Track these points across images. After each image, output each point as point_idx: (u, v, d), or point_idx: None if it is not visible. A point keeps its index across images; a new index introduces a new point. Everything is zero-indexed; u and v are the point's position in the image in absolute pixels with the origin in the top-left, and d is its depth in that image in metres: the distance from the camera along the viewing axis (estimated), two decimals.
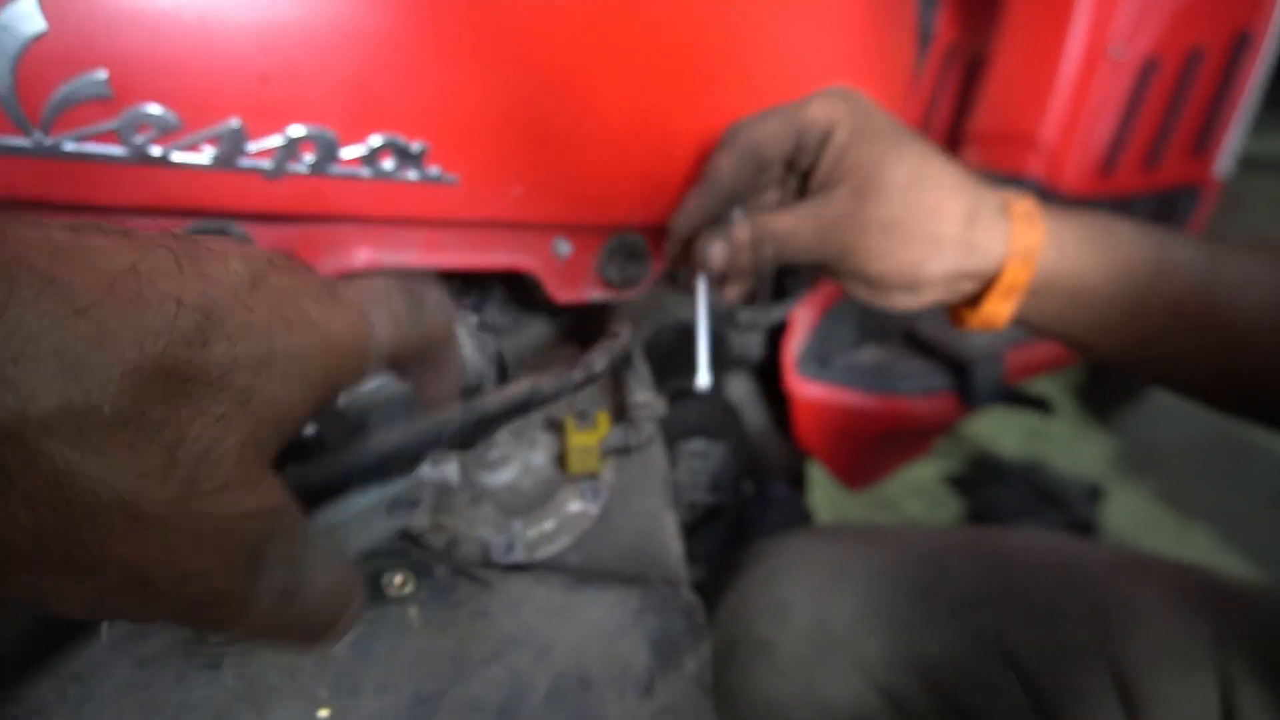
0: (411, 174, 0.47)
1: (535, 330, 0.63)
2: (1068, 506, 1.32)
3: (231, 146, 0.43)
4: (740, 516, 0.86)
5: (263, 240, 0.44)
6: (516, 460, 0.55)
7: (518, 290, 0.62)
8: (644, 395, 0.58)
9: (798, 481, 0.93)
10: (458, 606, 0.41)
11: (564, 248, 0.56)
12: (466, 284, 0.61)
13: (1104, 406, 1.75)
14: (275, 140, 0.43)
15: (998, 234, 0.47)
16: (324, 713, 0.36)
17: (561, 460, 0.56)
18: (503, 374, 0.51)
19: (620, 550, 0.54)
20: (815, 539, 0.67)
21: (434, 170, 0.48)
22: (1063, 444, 1.63)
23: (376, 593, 0.40)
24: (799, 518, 0.88)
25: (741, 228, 0.50)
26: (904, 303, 0.50)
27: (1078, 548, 0.63)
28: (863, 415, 0.85)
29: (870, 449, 0.89)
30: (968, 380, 0.87)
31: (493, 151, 0.49)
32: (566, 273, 0.55)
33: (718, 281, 0.53)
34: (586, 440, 0.54)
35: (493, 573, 0.44)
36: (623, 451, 0.56)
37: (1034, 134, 1.56)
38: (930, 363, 0.90)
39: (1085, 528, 1.32)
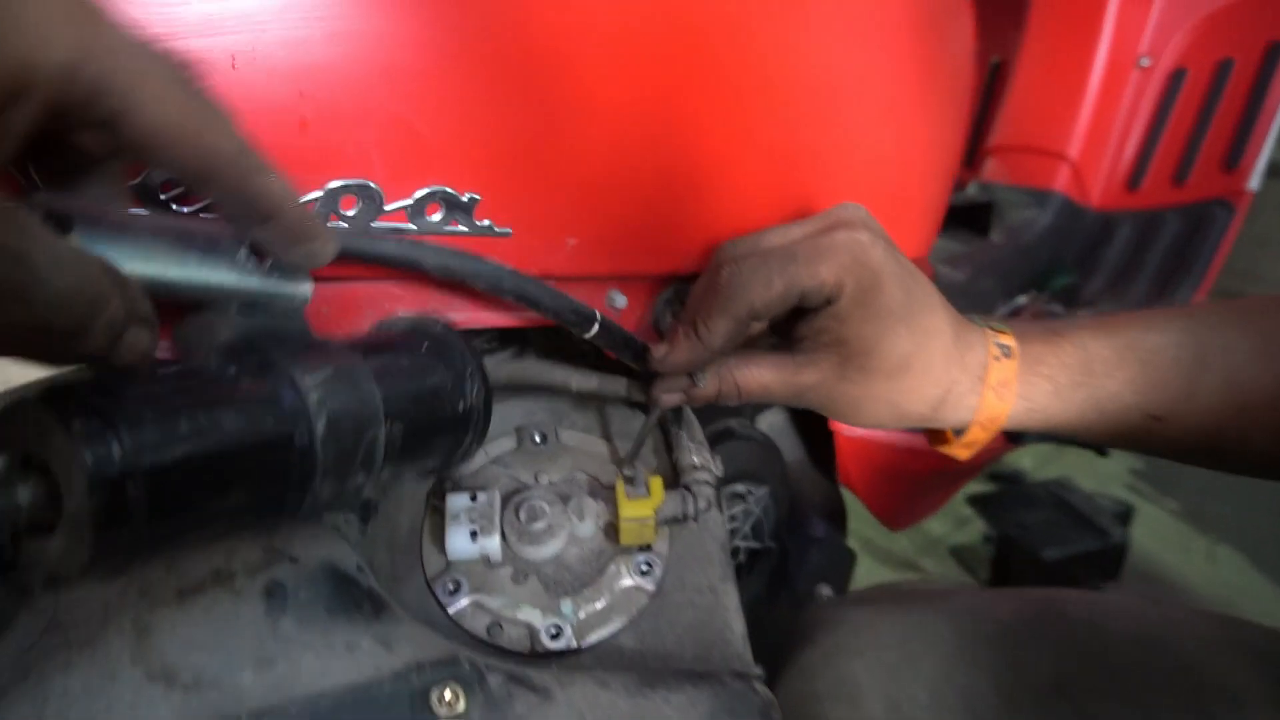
0: (461, 227, 0.42)
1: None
2: (1099, 529, 1.28)
3: None
4: (783, 560, 0.81)
5: None
6: (563, 531, 0.51)
7: (557, 340, 0.58)
8: (699, 456, 0.53)
9: (835, 516, 0.88)
10: None
11: (619, 300, 0.51)
12: (505, 336, 0.56)
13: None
14: (314, 194, 0.38)
15: (965, 409, 0.49)
16: None
17: (611, 530, 0.52)
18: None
19: (679, 631, 0.49)
20: (880, 610, 0.62)
21: (485, 223, 0.43)
22: (1082, 458, 1.59)
23: (425, 715, 0.35)
24: (842, 558, 0.83)
25: (710, 381, 0.49)
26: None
27: (1160, 616, 0.58)
28: (910, 453, 0.80)
29: (918, 489, 0.84)
30: None
31: (547, 202, 0.44)
32: (620, 325, 0.50)
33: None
34: (640, 510, 0.50)
35: (549, 676, 0.40)
36: (679, 521, 0.51)
37: (1060, 147, 1.52)
38: None
39: (1118, 552, 1.28)
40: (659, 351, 0.48)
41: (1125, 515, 1.38)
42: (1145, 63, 1.46)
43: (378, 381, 0.35)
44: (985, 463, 0.86)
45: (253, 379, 0.31)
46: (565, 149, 0.44)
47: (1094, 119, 1.50)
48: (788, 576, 0.80)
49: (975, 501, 1.42)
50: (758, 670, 0.49)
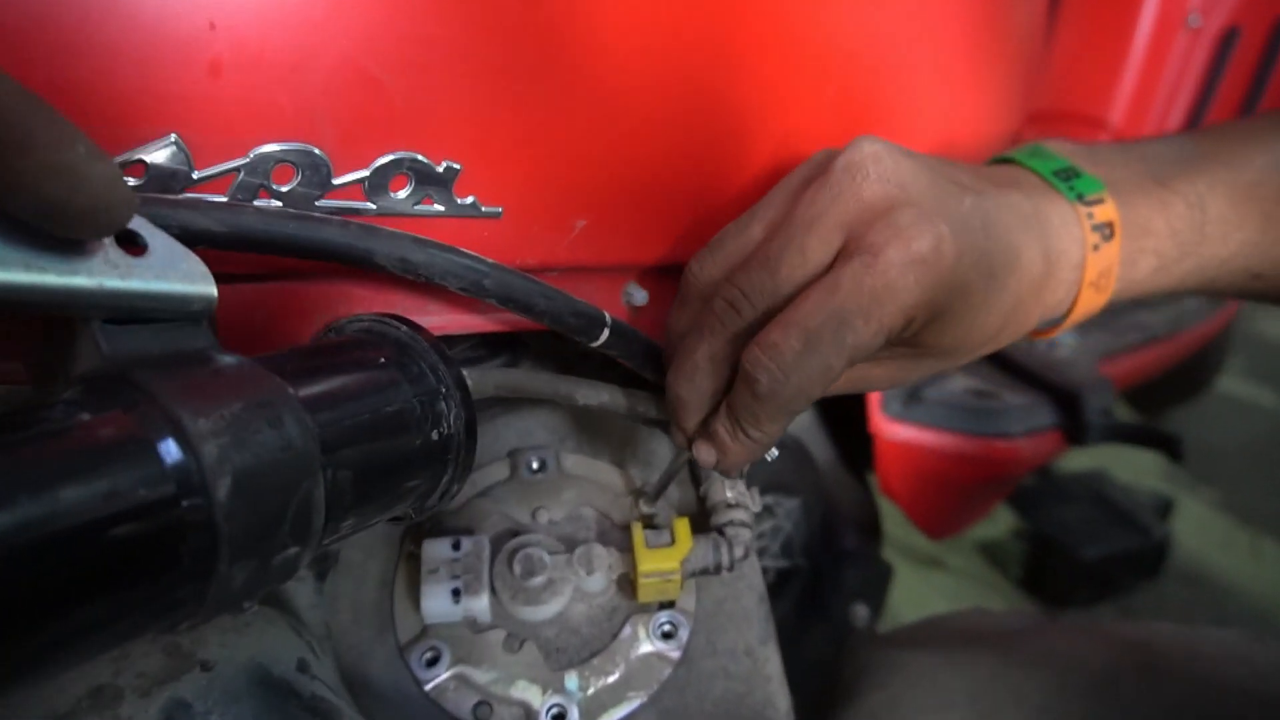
0: (437, 206, 0.32)
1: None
2: (1139, 526, 1.19)
3: (164, 172, 0.28)
4: (814, 578, 0.72)
5: (225, 301, 0.29)
6: (567, 587, 0.41)
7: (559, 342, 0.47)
8: (733, 491, 0.43)
9: (869, 524, 0.79)
10: None
11: (639, 296, 0.40)
12: (495, 343, 0.46)
13: (1158, 410, 1.62)
14: (233, 163, 0.28)
15: (1059, 311, 0.41)
16: None
17: (626, 584, 0.42)
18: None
19: (709, 707, 0.40)
20: (943, 656, 0.53)
21: (468, 200, 0.32)
22: (1116, 449, 1.48)
23: None
24: (878, 574, 0.74)
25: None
26: None
27: (1271, 660, 0.49)
28: (960, 460, 0.70)
29: (964, 497, 0.75)
30: (1077, 415, 0.73)
31: (549, 173, 0.33)
32: (640, 327, 0.40)
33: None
34: (663, 562, 0.40)
35: None
36: (711, 573, 0.41)
37: (1101, 114, 1.40)
38: (1031, 395, 0.75)
39: (1159, 550, 1.19)
40: (704, 455, 0.37)
41: (1165, 509, 1.28)
42: (1195, 22, 1.34)
43: (313, 414, 0.25)
44: (1038, 467, 0.77)
45: (115, 428, 0.21)
46: (574, 105, 0.33)
47: (1138, 83, 1.38)
48: (820, 596, 0.71)
49: (1008, 497, 1.33)
50: None
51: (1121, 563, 1.17)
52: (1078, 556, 1.13)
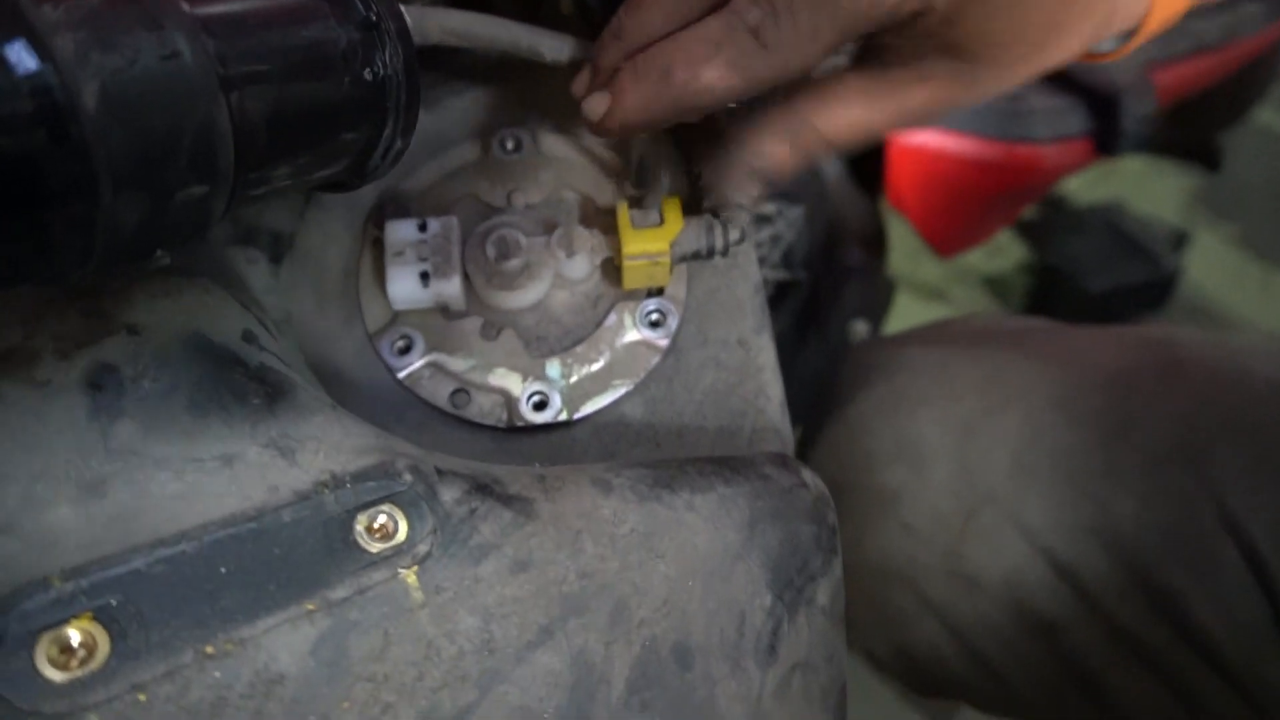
0: None
1: None
2: (1149, 256, 1.15)
3: None
4: (814, 292, 0.69)
5: None
6: (546, 271, 0.38)
7: None
8: None
9: (875, 240, 0.75)
10: (483, 556, 0.26)
11: None
12: None
13: (1183, 140, 1.52)
14: None
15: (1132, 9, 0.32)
16: None
17: (611, 270, 0.39)
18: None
19: (699, 398, 0.38)
20: (951, 350, 0.51)
21: None
22: (1136, 181, 1.42)
23: (347, 551, 0.24)
24: (881, 291, 0.71)
25: (773, 146, 0.34)
26: None
27: None
28: (980, 167, 0.65)
29: (979, 208, 0.70)
30: (1112, 121, 0.66)
31: None
32: None
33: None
34: (651, 243, 0.37)
35: (530, 481, 0.28)
36: (702, 258, 0.38)
37: None
38: (1063, 98, 0.68)
39: (1167, 282, 1.16)
40: (593, 105, 0.32)
41: (1179, 242, 1.24)
42: None
43: (206, 29, 0.21)
44: (1061, 178, 0.72)
45: None
46: None
47: None
48: (819, 311, 0.69)
49: (1019, 227, 1.28)
50: (791, 439, 0.39)
51: (1127, 295, 1.14)
52: (1083, 288, 1.11)
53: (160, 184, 0.20)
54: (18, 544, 0.21)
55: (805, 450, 0.57)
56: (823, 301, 0.69)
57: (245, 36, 0.22)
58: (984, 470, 0.47)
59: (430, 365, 0.37)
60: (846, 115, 0.33)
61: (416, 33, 0.29)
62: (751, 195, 0.36)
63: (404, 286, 0.36)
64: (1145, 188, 1.41)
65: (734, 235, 0.38)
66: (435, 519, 0.25)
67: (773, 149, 0.34)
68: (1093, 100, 0.68)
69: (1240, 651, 0.41)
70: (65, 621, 0.20)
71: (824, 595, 0.32)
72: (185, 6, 0.21)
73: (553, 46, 0.34)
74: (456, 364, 0.37)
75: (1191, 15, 0.91)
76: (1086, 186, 1.45)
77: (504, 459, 0.36)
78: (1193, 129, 1.55)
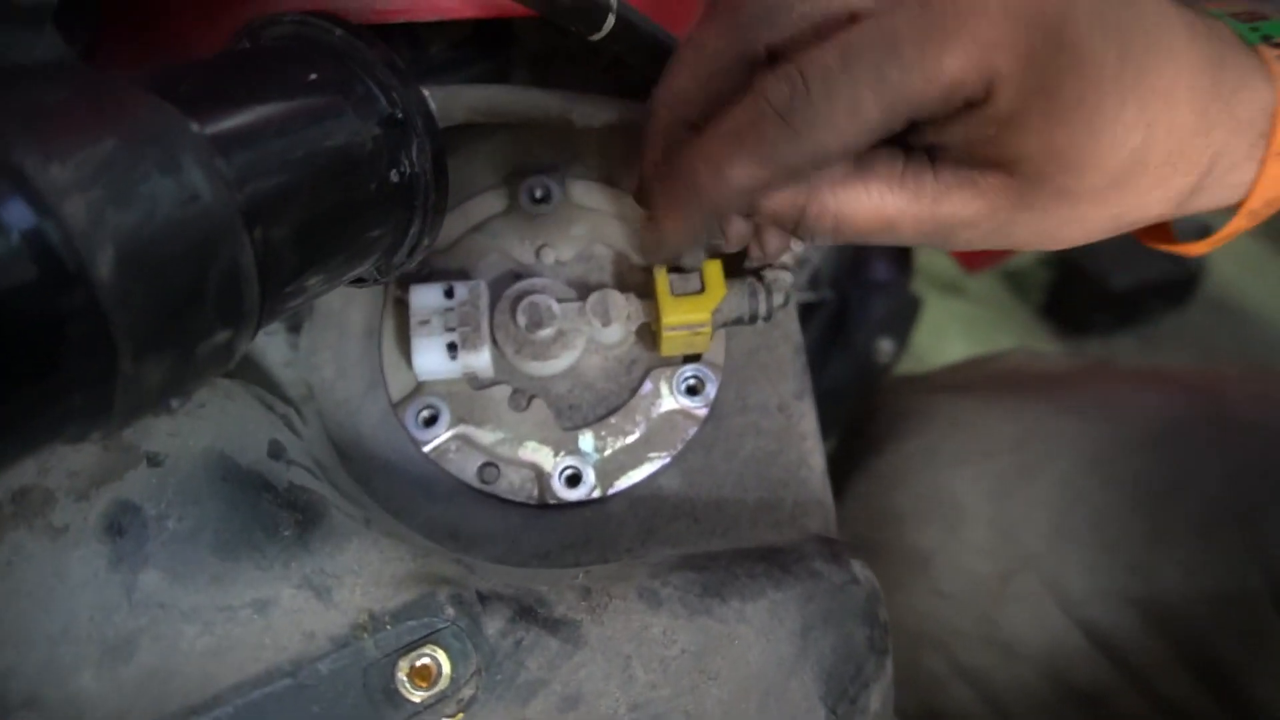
0: None
1: None
2: (1173, 254, 1.11)
3: None
4: (840, 308, 0.67)
5: None
6: (579, 339, 0.36)
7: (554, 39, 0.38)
8: None
9: (901, 255, 0.73)
10: (531, 694, 0.24)
11: None
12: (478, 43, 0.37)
13: None
14: None
15: (1231, 188, 0.29)
16: None
17: (647, 333, 0.37)
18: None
19: (739, 467, 0.37)
20: (986, 401, 0.49)
21: None
22: None
23: (390, 702, 0.22)
24: (907, 309, 0.69)
25: (780, 195, 0.29)
26: None
27: None
28: None
29: None
30: None
31: None
32: None
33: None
34: (692, 313, 0.35)
35: (574, 599, 0.27)
36: (745, 323, 0.36)
37: None
38: None
39: (1191, 277, 1.13)
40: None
41: (1203, 234, 1.20)
42: None
43: (224, 154, 0.18)
44: None
45: None
46: None
47: None
48: (845, 328, 0.67)
49: None
50: (833, 511, 0.37)
51: (1150, 292, 1.12)
52: (1106, 285, 1.08)
53: (183, 339, 0.18)
54: (36, 718, 0.20)
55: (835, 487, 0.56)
56: (849, 318, 0.67)
57: (265, 155, 0.20)
58: (1021, 533, 0.45)
59: (457, 438, 0.35)
60: (870, 203, 0.29)
61: (443, 117, 0.27)
62: (736, 243, 0.33)
63: (431, 359, 0.34)
64: None
65: (778, 300, 0.36)
66: (480, 656, 0.24)
67: (777, 209, 0.30)
68: None
69: None
70: None
71: (876, 700, 0.30)
72: (195, 127, 0.19)
73: (583, 113, 0.32)
74: (485, 437, 0.35)
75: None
76: None
77: (535, 536, 0.35)
78: None
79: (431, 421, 0.35)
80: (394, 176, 0.24)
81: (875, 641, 0.31)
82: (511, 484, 0.35)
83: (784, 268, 0.36)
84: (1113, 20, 0.25)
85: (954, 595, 0.47)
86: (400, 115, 0.24)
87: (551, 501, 0.35)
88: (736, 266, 0.37)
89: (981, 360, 0.56)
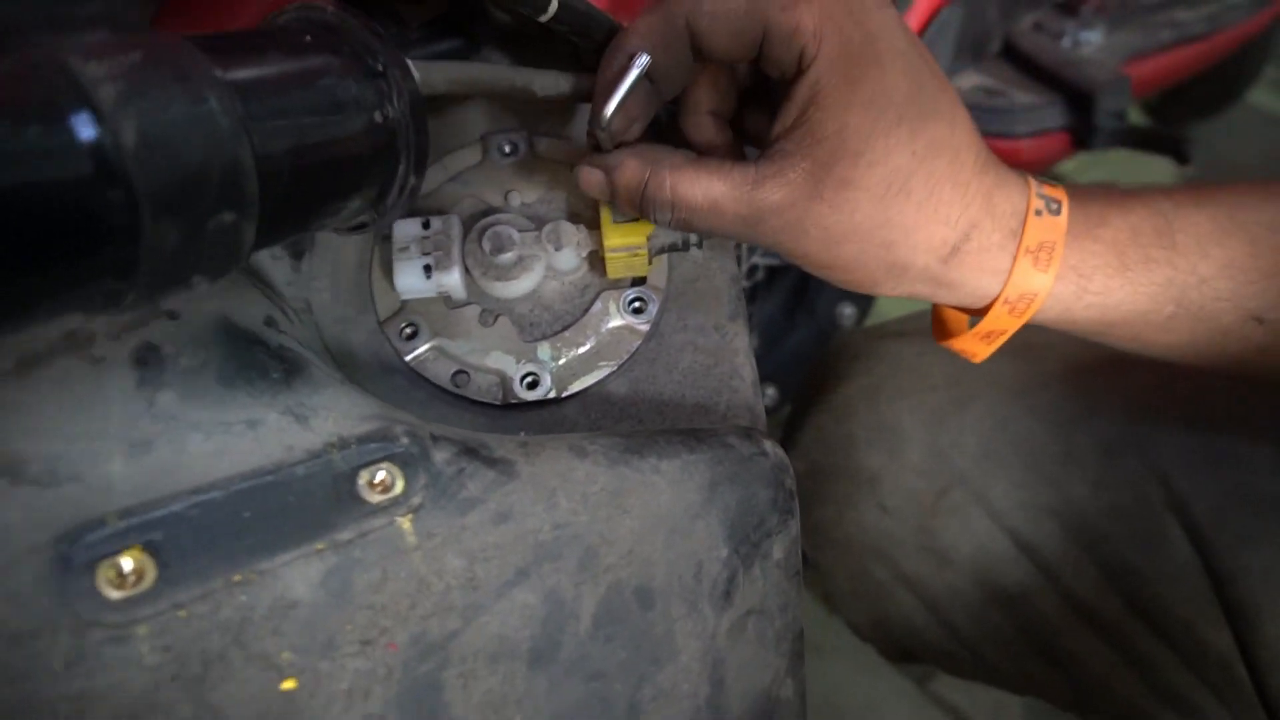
0: None
1: None
2: None
3: None
4: (803, 277, 0.73)
5: None
6: (537, 264, 0.42)
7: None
8: None
9: None
10: (469, 508, 0.30)
11: None
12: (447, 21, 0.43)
13: (1183, 121, 1.52)
14: None
15: (990, 271, 0.35)
16: (289, 684, 0.26)
17: (597, 261, 0.43)
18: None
19: (678, 377, 0.42)
20: (927, 344, 0.54)
21: None
22: (1128, 164, 1.41)
23: (351, 502, 0.28)
24: None
25: (629, 170, 0.35)
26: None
27: None
28: None
29: None
30: (1087, 118, 0.69)
31: None
32: None
33: None
34: (630, 237, 0.40)
35: (512, 446, 0.33)
36: (679, 249, 0.42)
37: None
38: (1043, 94, 0.71)
39: None
40: (588, 177, 0.37)
41: None
42: None
43: (225, 74, 0.25)
44: (1034, 173, 0.74)
45: (4, 79, 0.21)
46: None
47: None
48: (808, 295, 0.72)
49: None
50: (762, 413, 0.42)
51: None
52: None
53: (194, 210, 0.24)
54: (83, 490, 0.26)
55: (792, 428, 0.61)
56: (812, 286, 0.72)
57: (261, 81, 0.26)
58: (954, 456, 0.50)
59: (434, 349, 0.41)
60: (701, 185, 0.34)
61: (424, 84, 0.33)
62: (594, 187, 0.38)
63: (409, 278, 0.40)
64: (1137, 170, 1.42)
65: None
66: (428, 476, 0.30)
67: (627, 182, 0.36)
68: (1070, 96, 0.70)
69: (1185, 618, 0.44)
70: (119, 552, 0.25)
71: (779, 550, 0.35)
72: (219, 73, 0.25)
73: (545, 84, 0.38)
74: (457, 348, 0.41)
75: (1177, 5, 0.92)
76: (1079, 169, 1.47)
77: (500, 433, 0.41)
78: (1176, 118, 1.55)
79: (412, 336, 0.42)
80: (377, 117, 0.30)
81: (779, 502, 0.36)
82: (480, 387, 0.41)
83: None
84: (910, 64, 0.32)
85: (896, 510, 0.52)
86: (380, 68, 0.30)
87: (514, 401, 0.41)
88: None
89: (922, 314, 0.61)
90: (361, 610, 0.27)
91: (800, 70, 0.32)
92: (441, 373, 0.41)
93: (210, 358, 0.29)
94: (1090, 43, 0.81)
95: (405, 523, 0.29)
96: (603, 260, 0.42)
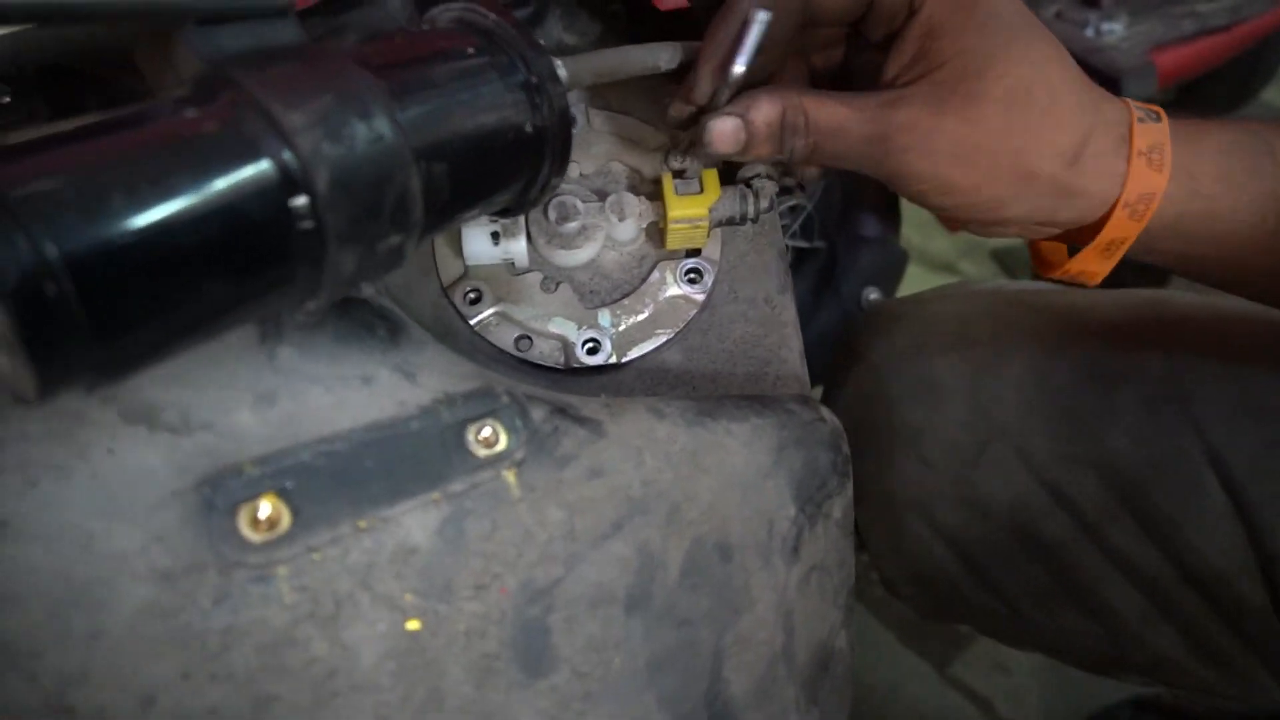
0: None
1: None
2: None
3: None
4: (830, 259, 0.75)
5: None
6: (599, 234, 0.43)
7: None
8: None
9: (889, 212, 0.80)
10: (565, 464, 0.31)
11: None
12: None
13: (1199, 115, 1.55)
14: None
15: (1109, 176, 0.36)
16: (413, 625, 0.27)
17: (656, 232, 0.44)
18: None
19: (730, 347, 0.44)
20: (970, 300, 0.56)
21: None
22: None
23: (461, 455, 0.30)
24: (893, 260, 0.77)
25: (766, 105, 0.36)
26: (969, 231, 0.41)
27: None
28: None
29: None
30: None
31: None
32: None
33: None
34: (691, 209, 0.42)
35: (598, 407, 0.34)
36: (735, 223, 0.43)
37: None
38: None
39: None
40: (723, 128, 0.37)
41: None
42: None
43: (400, 107, 0.26)
44: None
45: (218, 125, 0.22)
46: None
47: None
48: (835, 277, 0.74)
49: None
50: (808, 381, 0.44)
51: (1132, 270, 1.19)
52: None
53: (368, 239, 0.25)
54: (216, 438, 0.27)
55: (831, 389, 0.63)
56: (839, 268, 0.74)
57: (431, 109, 0.27)
58: (995, 409, 0.52)
59: (497, 314, 0.43)
60: (832, 113, 0.36)
61: (573, 80, 0.35)
62: (729, 145, 0.38)
63: (477, 244, 0.41)
64: None
65: (764, 204, 0.43)
66: (528, 432, 0.31)
67: (766, 110, 0.37)
68: (1096, 81, 0.72)
69: (1220, 569, 0.47)
70: (257, 497, 0.26)
71: (838, 510, 0.38)
72: (382, 87, 0.26)
73: (668, 59, 0.39)
74: (520, 313, 0.43)
75: None
76: None
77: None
78: (1197, 110, 1.59)
79: (476, 301, 0.43)
80: (528, 128, 0.31)
81: (837, 465, 0.38)
82: (542, 352, 0.43)
83: (768, 177, 0.44)
84: (1010, 8, 0.35)
85: (936, 463, 0.54)
86: (535, 80, 0.31)
87: (575, 365, 0.42)
88: (730, 177, 0.44)
89: (962, 282, 0.63)
90: (475, 557, 0.29)
91: (912, 11, 0.35)
92: (505, 337, 0.43)
93: (324, 317, 0.30)
94: (1112, 33, 0.83)
95: (510, 476, 0.30)
96: (661, 231, 0.43)
